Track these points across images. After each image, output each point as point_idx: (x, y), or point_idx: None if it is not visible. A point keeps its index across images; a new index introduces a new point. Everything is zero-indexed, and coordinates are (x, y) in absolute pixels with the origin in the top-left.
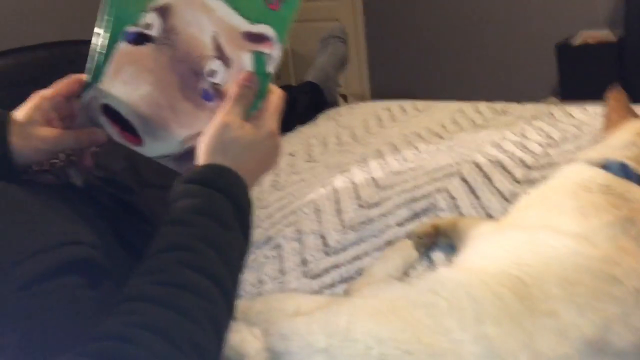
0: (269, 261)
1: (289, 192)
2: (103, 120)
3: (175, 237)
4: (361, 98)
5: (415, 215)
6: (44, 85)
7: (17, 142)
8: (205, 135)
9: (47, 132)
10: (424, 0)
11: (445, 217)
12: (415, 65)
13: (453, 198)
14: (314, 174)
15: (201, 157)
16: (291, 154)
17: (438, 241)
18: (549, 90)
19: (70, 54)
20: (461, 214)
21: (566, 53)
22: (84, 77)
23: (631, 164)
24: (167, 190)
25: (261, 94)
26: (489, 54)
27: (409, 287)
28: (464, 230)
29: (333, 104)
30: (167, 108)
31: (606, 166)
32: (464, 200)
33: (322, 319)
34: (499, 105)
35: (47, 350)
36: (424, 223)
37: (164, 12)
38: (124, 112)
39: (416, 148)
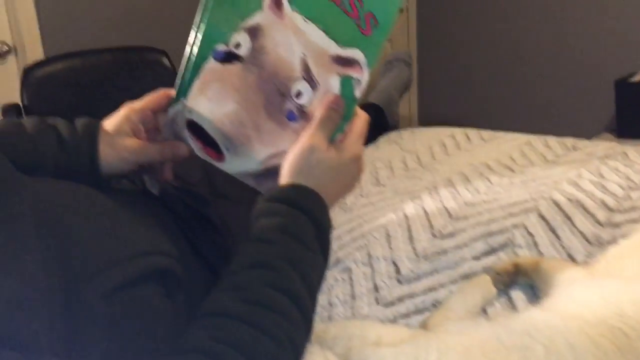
0: (339, 284)
1: (357, 215)
2: (187, 134)
3: (260, 255)
4: (408, 122)
5: (492, 250)
6: (107, 87)
7: (105, 151)
8: (291, 155)
9: (133, 143)
10: (479, 28)
11: (524, 254)
12: (466, 94)
13: (531, 235)
14: (383, 198)
15: (285, 177)
16: None
17: (518, 280)
18: (603, 126)
19: (133, 60)
20: (540, 253)
21: (625, 90)
22: (172, 92)
23: None
24: (241, 203)
25: (347, 118)
26: (544, 86)
27: (500, 327)
28: (549, 272)
29: (394, 126)
30: (250, 126)
31: None
32: (543, 238)
33: (411, 353)
34: (569, 141)
35: (132, 355)
36: (503, 260)
37: (254, 32)
38: (207, 128)
39: (488, 180)
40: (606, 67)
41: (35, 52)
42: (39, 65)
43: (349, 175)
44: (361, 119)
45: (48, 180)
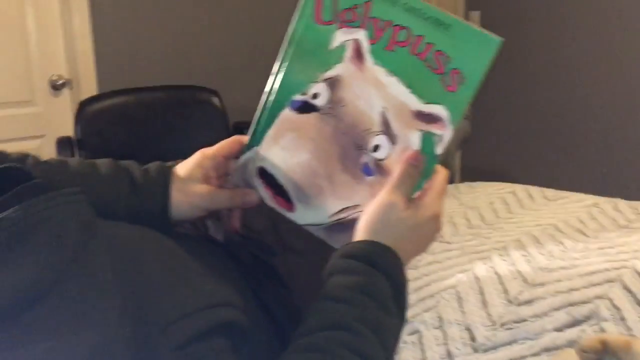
0: (408, 347)
1: (423, 273)
2: (257, 182)
3: (337, 315)
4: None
5: (576, 322)
6: (158, 124)
7: (176, 197)
8: (368, 211)
9: (204, 189)
10: (527, 85)
11: (610, 329)
12: (511, 147)
13: (617, 308)
14: (449, 256)
15: (362, 233)
16: None
17: (605, 359)
18: None
19: (184, 99)
20: (628, 328)
21: None
22: (245, 139)
23: None
24: (307, 256)
25: (426, 175)
26: (598, 144)
27: None
28: None
29: (451, 178)
30: (324, 178)
31: None
32: (630, 313)
33: None
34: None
35: None
36: (588, 334)
37: (333, 83)
38: (279, 176)
39: (561, 243)
40: None
41: (89, 86)
42: (93, 99)
43: (426, 234)
44: (441, 176)
45: (121, 224)
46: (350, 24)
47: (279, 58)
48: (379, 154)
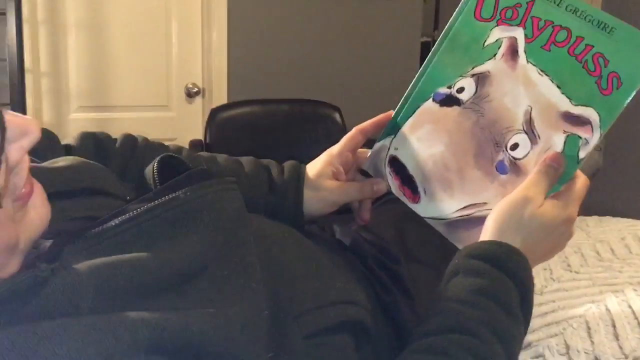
0: None
1: (550, 300)
2: (387, 171)
3: (461, 318)
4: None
5: None
6: (281, 135)
7: (308, 194)
8: (500, 206)
9: (333, 184)
10: None
11: None
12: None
13: None
14: (577, 286)
15: (491, 230)
16: None
17: None
18: None
19: (308, 113)
20: None
21: None
22: (366, 126)
23: None
24: (432, 268)
25: (565, 179)
26: None
27: None
28: None
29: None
30: (455, 172)
31: None
32: None
33: None
34: None
35: None
36: None
37: (482, 79)
38: (410, 166)
39: None
40: None
41: (220, 95)
42: (224, 107)
43: (558, 238)
44: (581, 181)
45: (263, 218)
46: (509, 21)
47: (432, 50)
48: (516, 153)
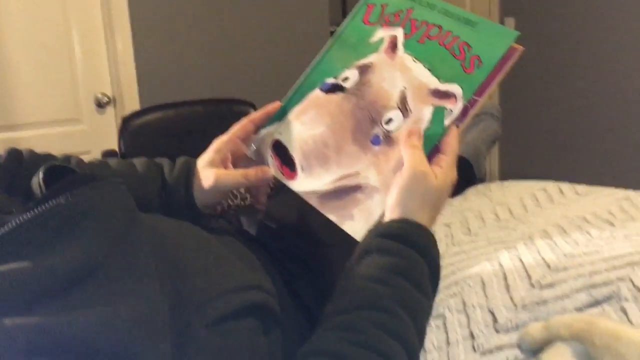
0: (432, 330)
1: (450, 263)
2: (269, 153)
3: (373, 295)
4: (489, 177)
5: (596, 302)
6: (197, 137)
7: (198, 184)
8: (402, 186)
9: (221, 172)
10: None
11: (631, 308)
12: (549, 148)
13: (638, 289)
14: (475, 247)
15: (398, 210)
16: (447, 225)
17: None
18: None
19: (223, 112)
20: None
21: None
22: (257, 118)
23: None
24: (337, 249)
25: (432, 141)
26: (631, 138)
27: None
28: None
29: (481, 179)
30: (333, 148)
31: None
32: None
33: None
34: None
35: None
36: (608, 312)
37: (365, 69)
38: (291, 147)
39: (588, 233)
40: None
41: (132, 103)
42: (135, 115)
43: (445, 200)
44: (452, 141)
45: (158, 216)
46: (392, 24)
47: (323, 49)
48: (390, 126)
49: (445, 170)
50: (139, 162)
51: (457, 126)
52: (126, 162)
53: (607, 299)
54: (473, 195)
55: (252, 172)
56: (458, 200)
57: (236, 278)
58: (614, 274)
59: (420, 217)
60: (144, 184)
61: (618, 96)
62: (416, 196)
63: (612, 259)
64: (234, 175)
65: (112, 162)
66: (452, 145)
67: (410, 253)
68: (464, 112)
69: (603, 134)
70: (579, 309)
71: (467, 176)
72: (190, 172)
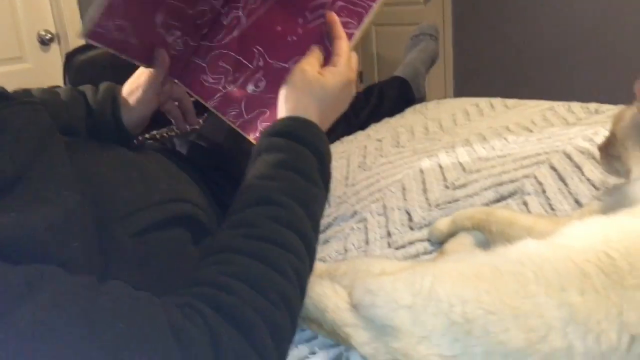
0: (354, 232)
1: (376, 172)
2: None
3: (265, 191)
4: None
5: (501, 198)
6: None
7: (124, 107)
8: (290, 85)
9: (140, 95)
10: (513, 4)
11: (532, 201)
12: (503, 71)
13: (540, 183)
14: (401, 157)
15: (286, 108)
16: (379, 140)
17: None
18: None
19: None
20: (547, 199)
21: None
22: None
23: None
24: None
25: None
26: (579, 60)
27: (495, 256)
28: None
29: (421, 99)
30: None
31: None
32: (552, 186)
33: (408, 279)
34: (593, 106)
35: (156, 293)
36: (511, 206)
37: None
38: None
39: (505, 139)
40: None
41: (76, 39)
42: (79, 51)
43: (343, 99)
44: (344, 43)
45: (81, 139)
46: None
47: None
48: None
49: (339, 69)
50: (62, 90)
51: (354, 34)
52: (50, 90)
53: (512, 194)
54: (410, 113)
55: (164, 93)
56: (395, 118)
57: (160, 192)
58: (520, 172)
59: (308, 113)
60: (67, 109)
61: (569, 15)
62: (300, 93)
63: (521, 159)
64: (151, 99)
65: (36, 91)
66: (342, 47)
67: (296, 147)
68: (359, 18)
69: (555, 52)
70: (485, 205)
71: (407, 96)
72: (115, 97)
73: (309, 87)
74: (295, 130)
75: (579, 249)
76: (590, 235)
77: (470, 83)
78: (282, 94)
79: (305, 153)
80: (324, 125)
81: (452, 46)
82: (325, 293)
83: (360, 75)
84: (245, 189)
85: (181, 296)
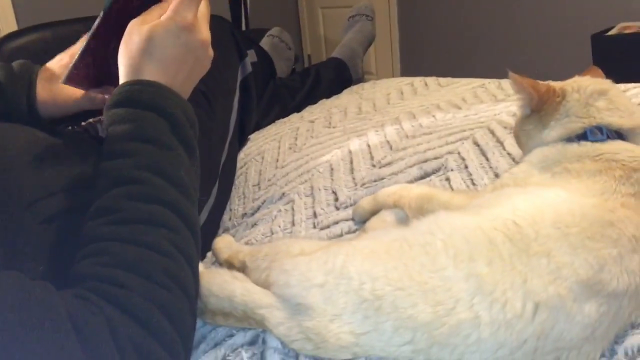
0: (281, 214)
1: (305, 154)
2: None
3: (117, 171)
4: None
5: (425, 175)
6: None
7: (42, 96)
8: (122, 49)
9: (70, 92)
10: None
11: (455, 177)
12: (447, 51)
13: (463, 159)
14: (331, 137)
15: (123, 74)
16: (311, 121)
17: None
18: None
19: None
20: (469, 174)
21: (601, 44)
22: None
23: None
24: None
25: None
26: (523, 41)
27: (407, 229)
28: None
29: (358, 80)
30: None
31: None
32: (473, 161)
33: (321, 258)
34: None
35: (67, 282)
36: (435, 182)
37: None
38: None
39: (434, 117)
40: (583, 22)
41: (8, 26)
42: (9, 37)
43: (200, 59)
44: (204, 5)
45: None
46: None
47: None
48: None
49: (167, 14)
50: None
51: None
52: None
53: (435, 171)
54: (346, 94)
55: (99, 97)
56: (331, 99)
57: (72, 178)
58: (445, 148)
59: (144, 73)
60: None
61: None
62: (129, 53)
63: (446, 135)
64: (82, 99)
65: None
66: (200, 10)
67: (138, 114)
68: None
69: (499, 30)
70: (410, 182)
71: (344, 77)
72: (33, 84)
73: (138, 45)
74: (131, 96)
75: (488, 218)
76: (499, 204)
77: (416, 61)
78: (118, 61)
79: (149, 117)
80: (178, 79)
81: (397, 25)
82: (226, 280)
83: (309, 58)
84: (100, 172)
85: (73, 289)
